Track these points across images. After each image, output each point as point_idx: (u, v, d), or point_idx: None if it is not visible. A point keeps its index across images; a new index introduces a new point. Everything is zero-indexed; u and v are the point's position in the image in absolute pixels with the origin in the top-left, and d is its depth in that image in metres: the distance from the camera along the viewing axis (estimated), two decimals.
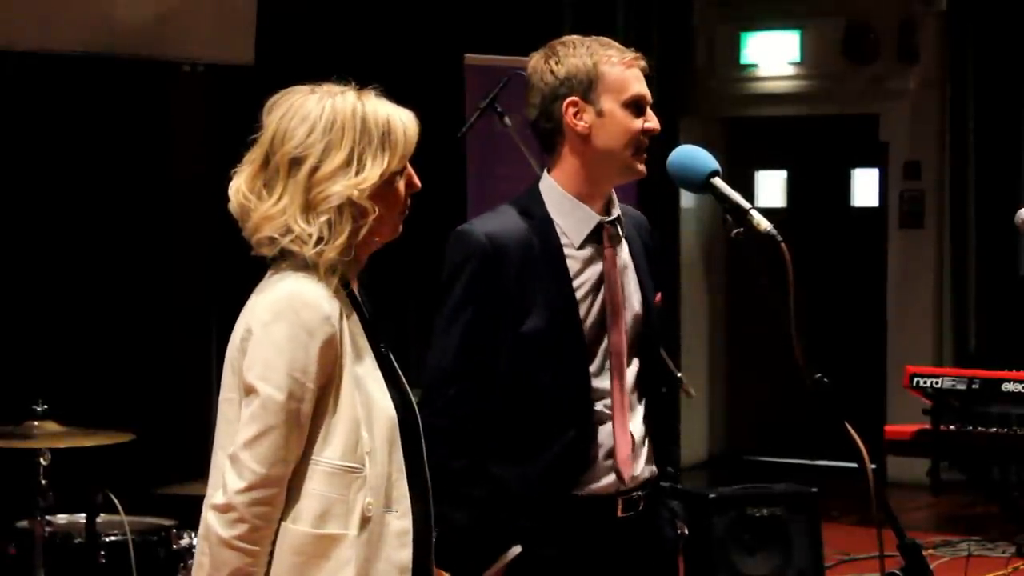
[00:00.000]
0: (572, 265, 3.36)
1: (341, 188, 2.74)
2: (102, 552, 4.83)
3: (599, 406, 3.36)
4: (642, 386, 3.44)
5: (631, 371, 3.41)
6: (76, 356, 6.54)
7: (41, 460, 4.77)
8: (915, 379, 5.39)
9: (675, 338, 9.33)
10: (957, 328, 9.88)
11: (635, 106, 3.36)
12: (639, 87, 3.37)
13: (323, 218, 2.75)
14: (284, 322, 2.71)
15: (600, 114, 3.35)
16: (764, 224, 3.01)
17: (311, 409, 2.72)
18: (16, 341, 6.40)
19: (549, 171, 3.43)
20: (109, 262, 6.79)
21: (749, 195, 10.31)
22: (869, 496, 2.84)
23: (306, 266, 2.77)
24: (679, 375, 6.01)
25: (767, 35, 10.54)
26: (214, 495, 2.74)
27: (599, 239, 3.40)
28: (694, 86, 10.39)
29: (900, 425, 5.78)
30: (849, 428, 2.87)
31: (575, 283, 3.35)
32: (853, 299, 10.48)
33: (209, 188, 7.18)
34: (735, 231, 3.06)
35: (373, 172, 2.77)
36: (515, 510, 3.33)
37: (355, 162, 2.76)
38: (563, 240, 3.37)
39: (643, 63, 3.41)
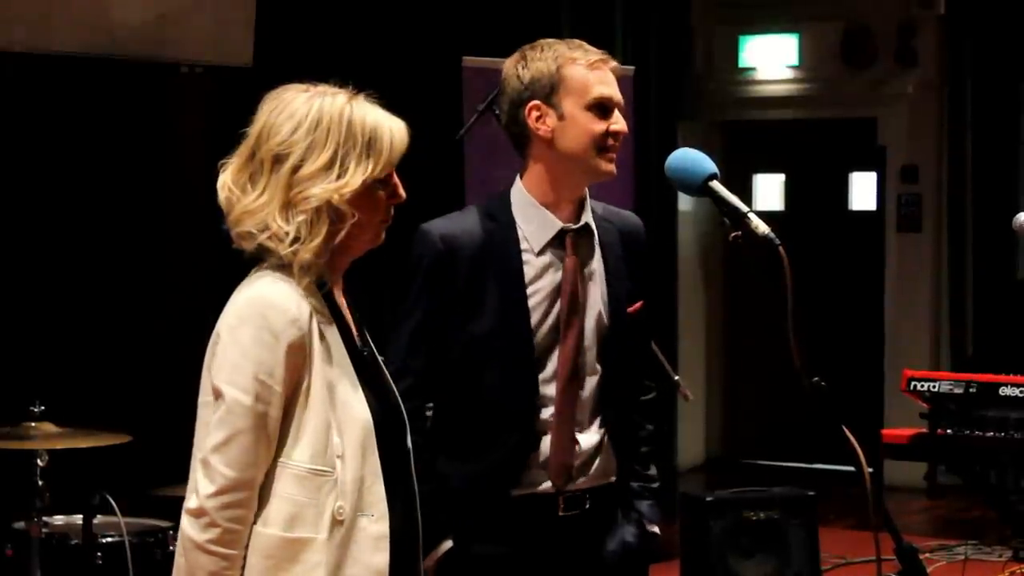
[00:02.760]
0: (528, 271, 3.37)
1: (320, 190, 2.73)
2: (99, 553, 4.83)
3: (545, 414, 3.36)
4: (604, 395, 3.42)
5: (591, 380, 3.40)
6: (73, 357, 6.53)
7: (38, 461, 4.77)
8: (912, 383, 5.38)
9: (672, 341, 9.33)
10: (955, 332, 9.89)
11: (599, 108, 3.35)
12: (602, 89, 3.36)
13: (301, 218, 2.73)
14: (250, 325, 2.71)
15: (561, 117, 3.35)
16: (762, 227, 3.01)
17: (279, 412, 2.71)
18: (14, 342, 6.39)
19: (520, 176, 3.44)
20: (107, 263, 6.78)
21: (747, 198, 10.33)
22: (866, 500, 2.84)
23: (283, 266, 2.76)
24: (676, 378, 6.01)
25: (765, 38, 10.55)
26: (188, 499, 2.74)
27: (561, 246, 3.39)
28: (692, 89, 10.39)
29: (897, 429, 5.75)
30: (847, 432, 2.87)
31: (529, 289, 3.36)
32: (851, 302, 10.48)
33: (207, 190, 7.19)
34: (733, 234, 3.06)
35: (355, 178, 2.75)
36: (454, 507, 3.37)
37: (337, 165, 2.75)
38: (523, 245, 3.38)
39: (612, 64, 3.41)
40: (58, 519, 5.02)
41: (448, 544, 3.37)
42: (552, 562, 3.40)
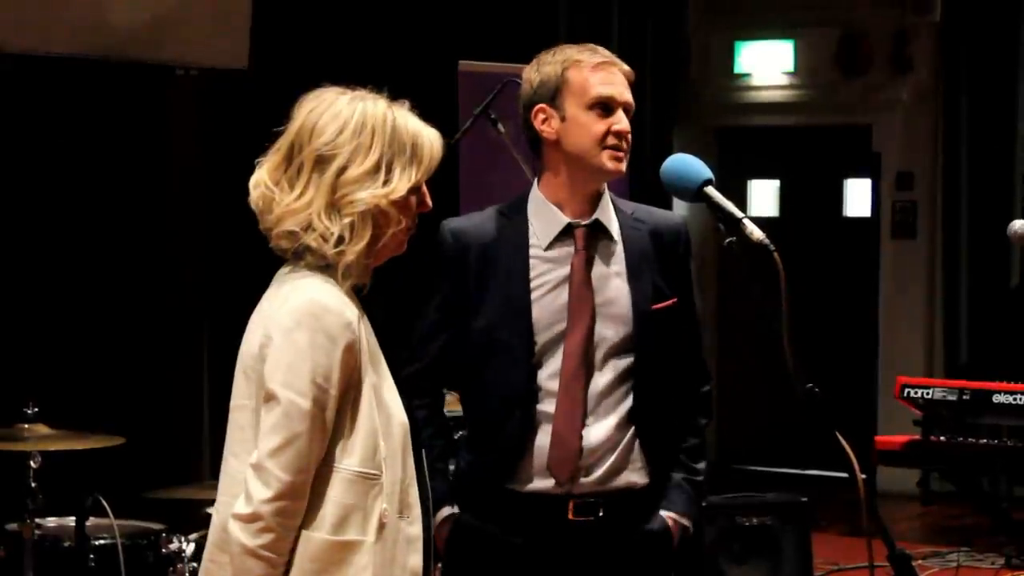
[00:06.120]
0: (535, 265, 3.41)
1: (368, 195, 2.73)
2: (91, 555, 4.82)
3: (547, 406, 3.37)
4: (621, 392, 3.41)
5: (604, 375, 3.40)
6: (68, 359, 6.53)
7: (31, 463, 4.77)
8: (906, 389, 5.39)
9: None
10: (948, 339, 9.89)
11: (601, 107, 3.39)
12: (603, 88, 3.40)
13: (346, 220, 2.73)
14: (306, 328, 2.69)
15: (564, 119, 3.39)
16: (757, 233, 3.02)
17: (333, 416, 2.71)
18: (8, 343, 6.39)
19: (538, 178, 3.50)
20: (102, 265, 6.78)
21: (742, 204, 10.32)
22: (859, 506, 2.84)
23: (323, 267, 2.76)
24: None
25: (761, 45, 10.55)
26: (233, 504, 2.71)
27: (570, 241, 3.41)
28: (688, 95, 10.40)
29: (891, 435, 5.76)
30: (840, 438, 2.87)
31: (535, 282, 3.40)
32: (845, 309, 10.49)
33: (203, 192, 7.21)
34: (728, 240, 3.07)
35: (402, 184, 2.76)
36: (461, 493, 3.46)
37: (383, 170, 2.75)
38: (532, 241, 3.43)
39: (621, 66, 3.45)
40: (51, 521, 5.00)
41: (447, 510, 3.44)
42: (560, 568, 3.40)
